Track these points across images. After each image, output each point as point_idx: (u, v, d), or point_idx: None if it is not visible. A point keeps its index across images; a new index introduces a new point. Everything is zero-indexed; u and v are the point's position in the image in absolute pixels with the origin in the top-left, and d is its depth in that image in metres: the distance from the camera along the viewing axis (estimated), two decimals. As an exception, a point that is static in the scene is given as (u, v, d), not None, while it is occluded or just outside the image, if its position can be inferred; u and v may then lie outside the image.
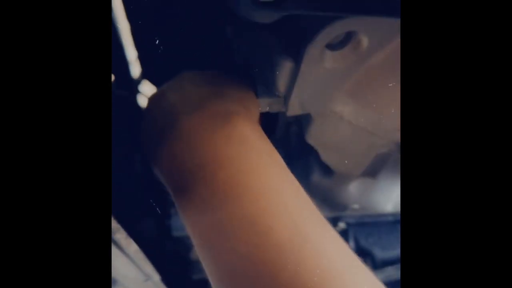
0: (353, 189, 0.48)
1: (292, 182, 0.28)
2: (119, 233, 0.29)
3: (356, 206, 0.49)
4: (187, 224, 0.28)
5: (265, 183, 0.26)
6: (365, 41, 0.29)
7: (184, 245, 0.56)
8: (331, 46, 0.30)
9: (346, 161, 0.41)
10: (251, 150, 0.28)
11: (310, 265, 0.23)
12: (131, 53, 0.60)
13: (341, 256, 0.25)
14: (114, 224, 0.28)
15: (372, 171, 0.45)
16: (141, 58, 0.60)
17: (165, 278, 0.47)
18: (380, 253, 0.49)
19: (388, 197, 0.49)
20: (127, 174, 0.58)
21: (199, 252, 0.27)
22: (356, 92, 0.33)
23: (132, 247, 0.32)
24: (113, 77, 0.57)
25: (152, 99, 0.36)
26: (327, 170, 0.46)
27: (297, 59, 0.31)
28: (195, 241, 0.27)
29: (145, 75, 0.63)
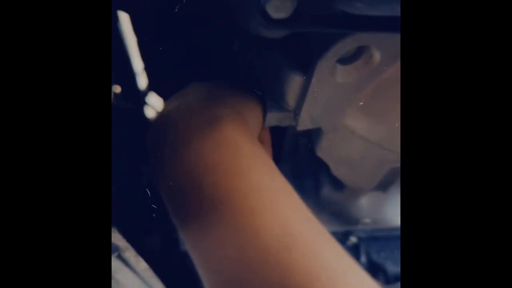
0: (365, 203, 0.47)
1: (281, 182, 0.28)
2: (128, 252, 0.29)
3: (367, 220, 0.48)
4: (181, 233, 0.28)
5: (252, 184, 0.26)
6: (377, 55, 0.29)
7: (191, 259, 0.55)
8: (343, 60, 0.29)
9: (357, 176, 0.40)
10: (238, 153, 0.28)
11: (299, 266, 0.22)
12: (138, 65, 0.60)
13: (332, 256, 0.24)
14: (123, 242, 0.28)
15: (384, 185, 0.44)
16: (148, 70, 0.59)
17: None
18: (392, 268, 0.47)
19: (399, 211, 0.47)
20: (134, 188, 0.58)
21: (193, 260, 0.27)
22: (368, 107, 0.33)
23: (141, 265, 0.32)
24: (120, 89, 0.57)
25: (159, 112, 0.36)
26: (338, 184, 0.45)
27: (308, 74, 0.30)
28: (189, 250, 0.27)
29: (152, 87, 0.63)
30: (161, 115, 0.33)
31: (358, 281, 0.23)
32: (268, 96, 0.34)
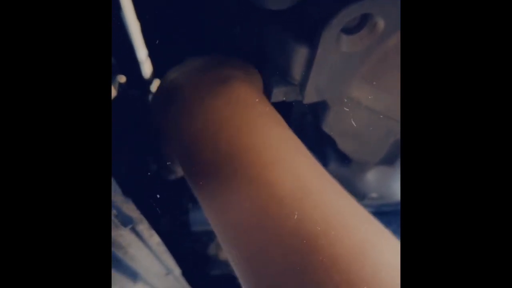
0: (371, 178, 0.47)
1: (292, 138, 0.29)
2: (141, 224, 0.30)
3: (374, 195, 0.49)
4: (196, 190, 0.28)
5: (265, 140, 0.26)
6: (381, 23, 0.29)
7: (202, 241, 0.56)
8: (347, 30, 0.30)
9: (363, 149, 0.40)
10: (251, 110, 0.28)
11: (313, 215, 0.23)
12: (142, 52, 0.60)
13: (344, 205, 0.25)
14: (137, 214, 0.28)
15: (390, 159, 0.45)
16: (152, 57, 0.60)
17: (184, 273, 0.47)
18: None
19: (406, 185, 0.48)
20: (142, 174, 0.58)
21: (208, 217, 0.28)
22: (373, 77, 0.33)
23: (154, 239, 0.32)
24: (124, 78, 0.58)
25: (158, 85, 0.37)
26: (344, 159, 0.46)
27: (312, 46, 0.30)
28: (204, 208, 0.28)
29: (156, 74, 0.63)
30: (165, 83, 0.34)
31: (375, 229, 0.24)
32: (273, 71, 0.35)
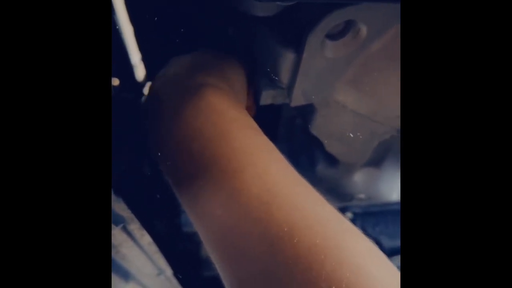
0: (359, 179, 0.48)
1: (263, 142, 0.29)
2: (133, 224, 0.30)
3: (362, 195, 0.50)
4: (178, 197, 0.30)
5: (236, 147, 0.27)
6: (364, 29, 0.30)
7: (194, 242, 0.57)
8: (331, 36, 0.31)
9: (350, 150, 0.41)
10: (221, 118, 0.29)
11: (278, 218, 0.23)
12: (135, 56, 0.61)
13: (313, 206, 0.25)
14: (128, 213, 0.29)
15: (376, 161, 0.46)
16: (146, 60, 0.60)
17: (177, 274, 0.48)
18: (387, 242, 0.49)
19: (392, 186, 0.49)
20: (135, 175, 0.59)
21: (191, 219, 0.29)
22: (357, 81, 0.34)
23: (145, 239, 0.33)
24: (118, 81, 0.59)
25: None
26: (332, 161, 0.47)
27: (298, 50, 0.32)
28: (186, 211, 0.29)
29: (150, 77, 0.64)
30: (149, 92, 0.35)
31: (340, 228, 0.24)
32: (262, 74, 0.36)
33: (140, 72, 0.64)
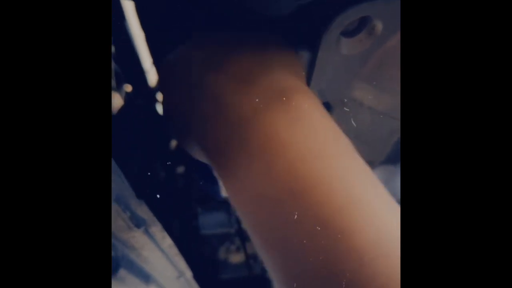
0: (378, 177, 0.48)
1: (361, 167, 0.26)
2: (154, 226, 0.30)
3: (380, 194, 0.49)
4: (252, 233, 0.26)
5: (332, 171, 0.24)
6: (379, 25, 0.30)
7: (212, 245, 0.57)
8: (347, 33, 0.31)
9: (368, 149, 0.41)
10: (314, 131, 0.25)
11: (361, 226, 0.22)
12: (147, 61, 0.62)
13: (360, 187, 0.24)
14: (150, 216, 0.29)
15: (393, 158, 0.45)
16: (157, 65, 0.61)
17: (194, 277, 0.48)
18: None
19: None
20: (151, 179, 0.59)
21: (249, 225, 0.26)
22: (373, 77, 0.34)
23: (166, 241, 0.33)
24: (131, 88, 0.59)
25: (172, 69, 0.32)
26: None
27: (314, 49, 0.31)
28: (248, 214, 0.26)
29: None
30: (186, 78, 0.30)
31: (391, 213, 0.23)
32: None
33: (152, 77, 0.64)
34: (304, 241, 0.22)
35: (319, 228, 0.22)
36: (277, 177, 0.23)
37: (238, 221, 0.57)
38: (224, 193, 0.55)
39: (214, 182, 0.54)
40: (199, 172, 0.53)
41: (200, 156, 0.31)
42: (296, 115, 0.25)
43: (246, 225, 0.26)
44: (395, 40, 0.31)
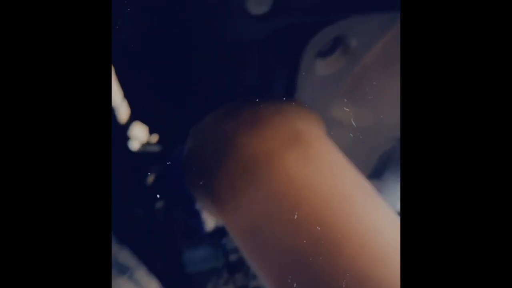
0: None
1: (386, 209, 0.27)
2: (139, 271, 0.28)
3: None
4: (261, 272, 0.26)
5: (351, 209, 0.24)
6: (354, 42, 0.30)
7: (198, 282, 0.54)
8: (323, 54, 0.31)
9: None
10: (335, 174, 0.26)
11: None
12: (117, 96, 0.59)
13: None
14: (134, 261, 0.27)
15: (378, 172, 0.45)
16: (129, 98, 0.58)
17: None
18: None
19: (395, 196, 0.48)
20: (133, 221, 0.57)
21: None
22: (353, 94, 0.34)
23: (152, 285, 0.31)
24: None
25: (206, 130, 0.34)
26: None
27: (292, 71, 0.31)
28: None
29: (134, 116, 0.61)
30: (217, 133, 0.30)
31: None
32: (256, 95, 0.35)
33: (122, 113, 0.62)
34: None
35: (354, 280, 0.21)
36: (301, 224, 0.23)
37: (225, 255, 0.55)
38: (208, 226, 0.53)
39: (197, 215, 0.52)
40: (181, 206, 0.51)
41: (207, 200, 0.30)
42: (313, 156, 0.26)
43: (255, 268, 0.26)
44: (372, 55, 0.31)
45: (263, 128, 0.27)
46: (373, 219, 0.24)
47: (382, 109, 0.35)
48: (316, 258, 0.22)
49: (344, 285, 0.21)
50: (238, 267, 0.57)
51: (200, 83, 0.45)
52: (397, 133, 0.37)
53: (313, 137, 0.27)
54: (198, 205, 0.52)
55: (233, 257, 0.55)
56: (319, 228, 0.22)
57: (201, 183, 0.29)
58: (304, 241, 0.22)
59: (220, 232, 0.53)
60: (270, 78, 0.33)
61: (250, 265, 0.26)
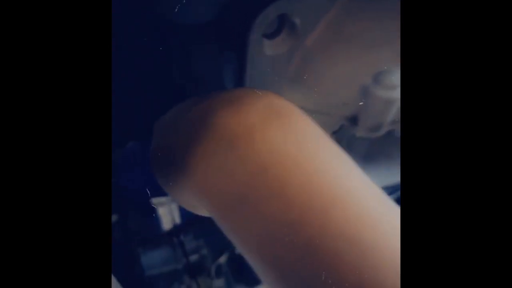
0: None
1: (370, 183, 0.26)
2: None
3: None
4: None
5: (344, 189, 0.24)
6: (297, 22, 0.31)
7: (159, 285, 0.52)
8: (269, 35, 0.31)
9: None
10: (318, 149, 0.26)
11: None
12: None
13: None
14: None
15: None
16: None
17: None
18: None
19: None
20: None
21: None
22: (300, 76, 0.35)
23: None
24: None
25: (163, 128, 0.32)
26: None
27: (240, 54, 0.32)
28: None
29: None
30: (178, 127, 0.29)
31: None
32: (207, 86, 0.35)
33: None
34: (329, 259, 0.22)
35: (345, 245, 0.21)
36: (292, 195, 0.23)
37: (185, 255, 0.53)
38: (165, 226, 0.51)
39: (150, 215, 0.50)
40: (132, 207, 0.49)
41: (184, 186, 0.28)
42: (295, 129, 0.26)
43: (242, 248, 0.25)
44: (315, 36, 0.32)
45: (240, 105, 0.26)
46: (357, 185, 0.25)
47: (330, 90, 0.36)
48: (305, 226, 0.22)
49: (336, 250, 0.21)
50: (200, 268, 0.56)
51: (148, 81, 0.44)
52: (345, 112, 0.39)
53: (290, 111, 0.27)
54: (154, 204, 0.50)
55: (193, 258, 0.54)
56: (307, 197, 0.23)
57: (174, 171, 0.28)
58: (293, 210, 0.22)
59: (178, 230, 0.51)
60: (220, 63, 0.33)
61: (232, 242, 0.26)
